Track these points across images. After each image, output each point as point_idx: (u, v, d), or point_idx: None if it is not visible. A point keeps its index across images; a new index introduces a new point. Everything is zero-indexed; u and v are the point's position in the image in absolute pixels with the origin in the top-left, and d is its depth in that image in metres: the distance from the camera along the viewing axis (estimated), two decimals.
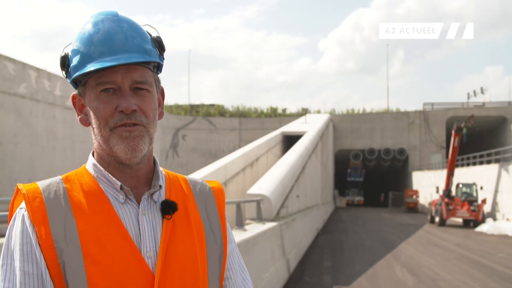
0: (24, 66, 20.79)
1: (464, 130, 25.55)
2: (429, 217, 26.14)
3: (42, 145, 21.97)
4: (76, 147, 24.55)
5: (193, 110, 47.58)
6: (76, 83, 1.20)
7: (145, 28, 1.23)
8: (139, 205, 1.17)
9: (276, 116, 46.49)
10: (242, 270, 1.32)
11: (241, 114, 46.62)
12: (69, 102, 23.68)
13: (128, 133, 1.13)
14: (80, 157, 24.64)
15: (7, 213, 2.97)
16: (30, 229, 1.08)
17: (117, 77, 1.13)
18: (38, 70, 21.73)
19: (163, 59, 1.24)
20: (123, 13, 1.22)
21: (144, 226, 1.14)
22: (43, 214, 1.09)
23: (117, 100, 1.13)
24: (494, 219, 23.79)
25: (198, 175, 12.40)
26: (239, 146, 38.09)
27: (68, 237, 1.07)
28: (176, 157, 41.82)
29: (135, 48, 1.15)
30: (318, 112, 47.74)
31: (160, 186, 1.21)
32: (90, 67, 1.11)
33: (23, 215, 1.10)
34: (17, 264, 1.06)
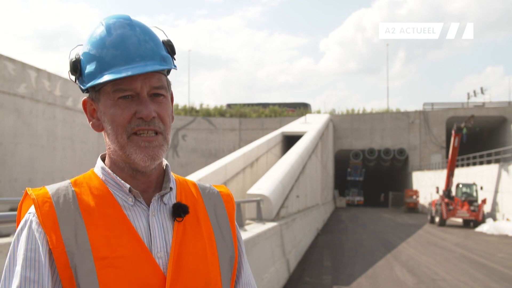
0: (24, 66, 20.78)
1: (464, 130, 25.55)
2: (429, 217, 26.14)
3: (42, 145, 21.97)
4: (76, 147, 24.55)
5: (193, 110, 47.59)
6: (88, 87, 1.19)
7: (153, 30, 1.22)
8: (148, 207, 1.17)
9: (276, 116, 46.46)
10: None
11: (241, 114, 46.61)
12: (69, 102, 23.68)
13: (148, 143, 1.13)
14: (80, 157, 24.64)
15: (7, 213, 2.97)
16: (37, 235, 1.07)
17: (136, 84, 1.12)
18: (38, 70, 21.73)
19: (175, 60, 1.23)
20: (125, 13, 1.20)
21: (154, 227, 1.15)
22: (53, 219, 1.08)
23: (136, 107, 1.13)
24: (494, 219, 23.78)
25: (198, 175, 12.40)
26: (239, 146, 38.09)
27: (78, 241, 1.07)
28: (176, 157, 41.81)
29: (151, 54, 1.14)
30: (318, 112, 47.73)
31: (171, 188, 1.21)
32: (108, 77, 1.10)
33: (31, 221, 1.09)
34: (18, 269, 1.05)
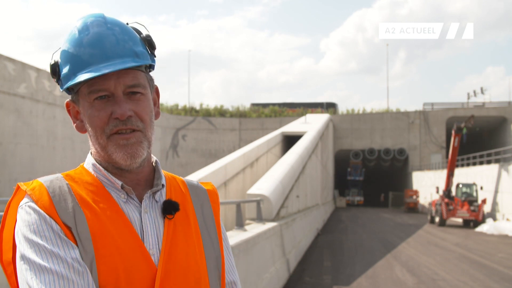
0: (24, 66, 20.78)
1: (464, 130, 25.54)
2: (429, 217, 26.14)
3: (42, 145, 21.96)
4: (76, 147, 24.55)
5: (193, 110, 47.59)
6: (69, 89, 1.19)
7: (134, 26, 1.21)
8: (141, 204, 1.17)
9: (276, 116, 46.45)
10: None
11: (241, 114, 46.59)
12: None
13: (125, 141, 1.13)
14: (80, 157, 24.61)
15: None
16: (45, 216, 1.05)
17: (109, 84, 1.12)
18: (38, 70, 21.71)
19: (155, 56, 1.22)
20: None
21: (147, 224, 1.15)
22: (52, 209, 1.07)
23: (112, 107, 1.12)
24: (494, 219, 23.77)
25: (198, 175, 12.39)
26: (239, 146, 38.07)
27: (79, 230, 1.06)
28: (176, 157, 41.79)
29: (126, 51, 1.13)
30: (318, 112, 47.70)
31: (163, 185, 1.21)
32: (81, 77, 1.10)
33: (31, 206, 1.07)
34: (46, 245, 1.02)
